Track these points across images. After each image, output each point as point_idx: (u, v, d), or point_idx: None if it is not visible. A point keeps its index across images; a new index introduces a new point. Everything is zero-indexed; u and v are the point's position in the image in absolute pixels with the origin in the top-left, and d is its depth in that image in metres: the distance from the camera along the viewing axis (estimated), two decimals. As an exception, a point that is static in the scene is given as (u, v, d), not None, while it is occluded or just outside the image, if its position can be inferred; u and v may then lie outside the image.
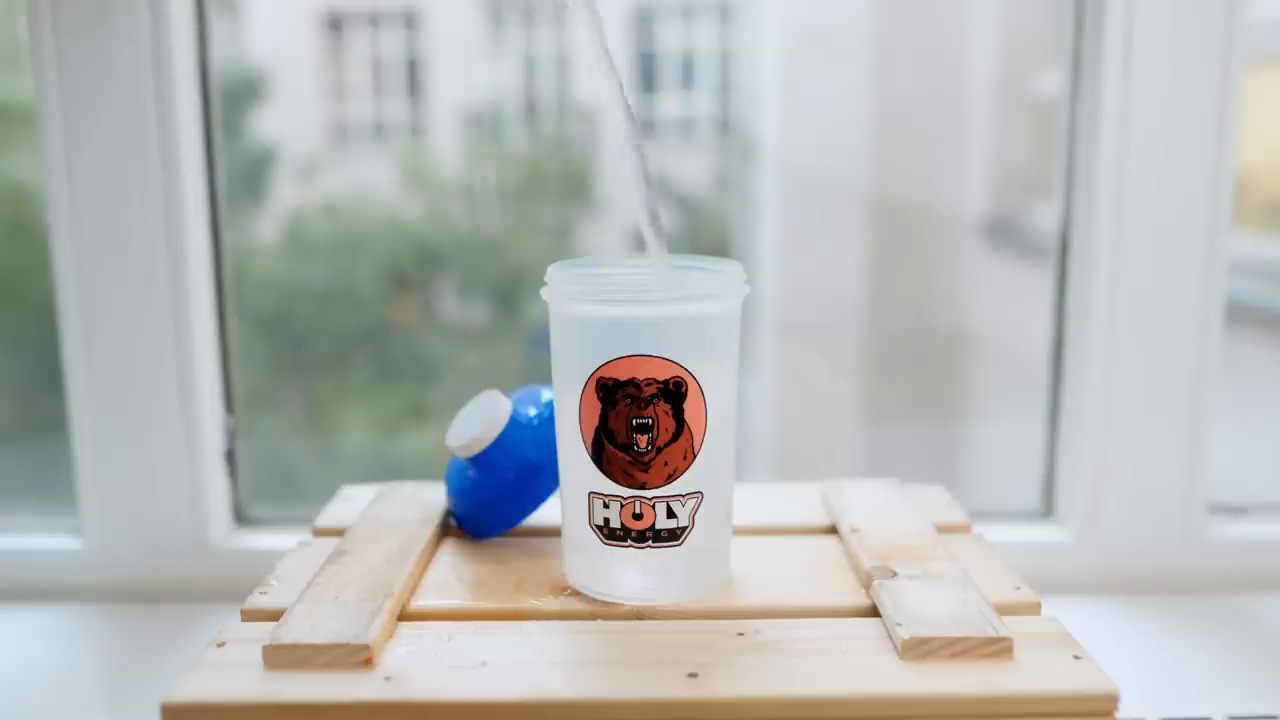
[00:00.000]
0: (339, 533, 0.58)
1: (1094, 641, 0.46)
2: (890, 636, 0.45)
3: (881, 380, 1.85)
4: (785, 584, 0.51)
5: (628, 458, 0.46)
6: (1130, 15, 0.71)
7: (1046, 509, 0.81)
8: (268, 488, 0.86)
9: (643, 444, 0.46)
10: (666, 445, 0.46)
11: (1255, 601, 0.76)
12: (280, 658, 0.43)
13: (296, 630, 0.44)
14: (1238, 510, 0.79)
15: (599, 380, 0.46)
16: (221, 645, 0.45)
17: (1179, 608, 0.75)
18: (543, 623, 0.47)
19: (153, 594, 0.76)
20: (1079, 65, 0.75)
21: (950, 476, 1.60)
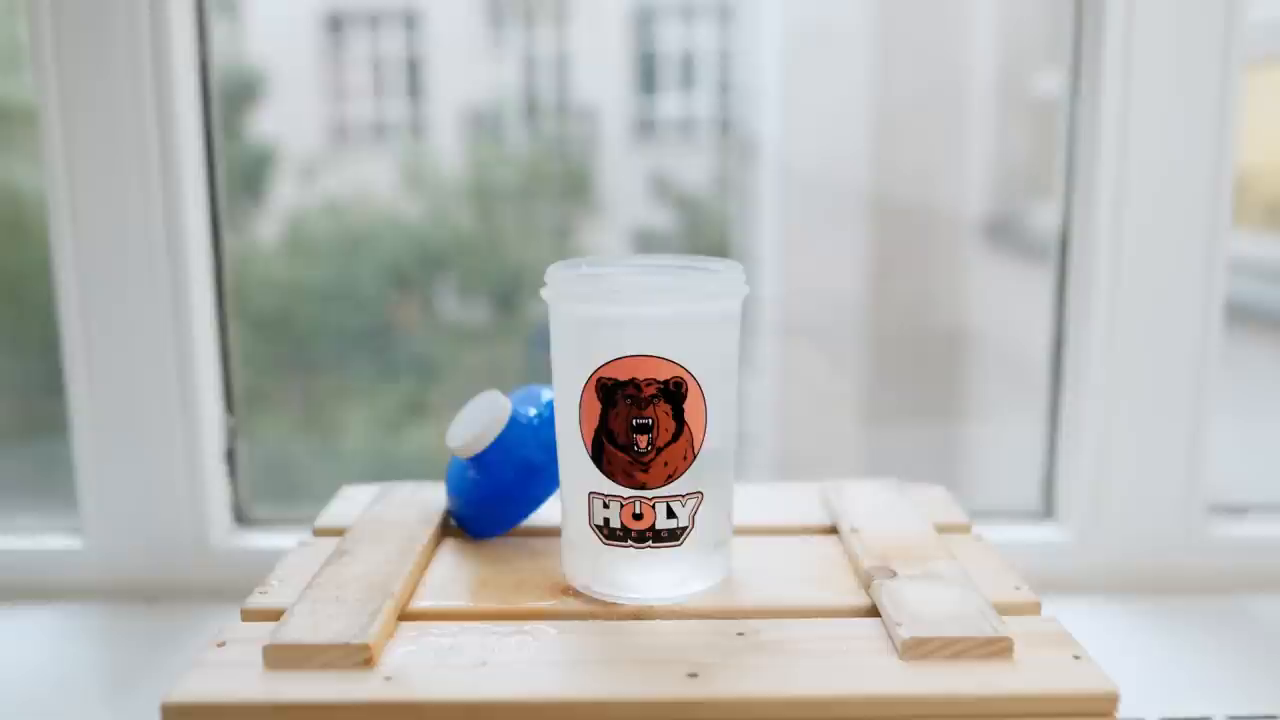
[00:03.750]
0: (339, 533, 0.58)
1: (1094, 641, 0.46)
2: (890, 636, 0.45)
3: (881, 380, 1.85)
4: (785, 584, 0.51)
5: (628, 458, 0.46)
6: (1130, 15, 0.71)
7: (1047, 509, 0.81)
8: (269, 487, 0.87)
9: (643, 444, 0.46)
10: (666, 445, 0.46)
11: (1255, 601, 0.76)
12: (280, 658, 0.43)
13: (297, 630, 0.44)
14: (1238, 510, 0.79)
15: (599, 380, 0.46)
16: (222, 645, 0.45)
17: (1179, 607, 0.75)
18: (543, 623, 0.47)
19: (153, 594, 0.76)
20: (1079, 65, 0.75)
21: (950, 475, 1.60)
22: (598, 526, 0.48)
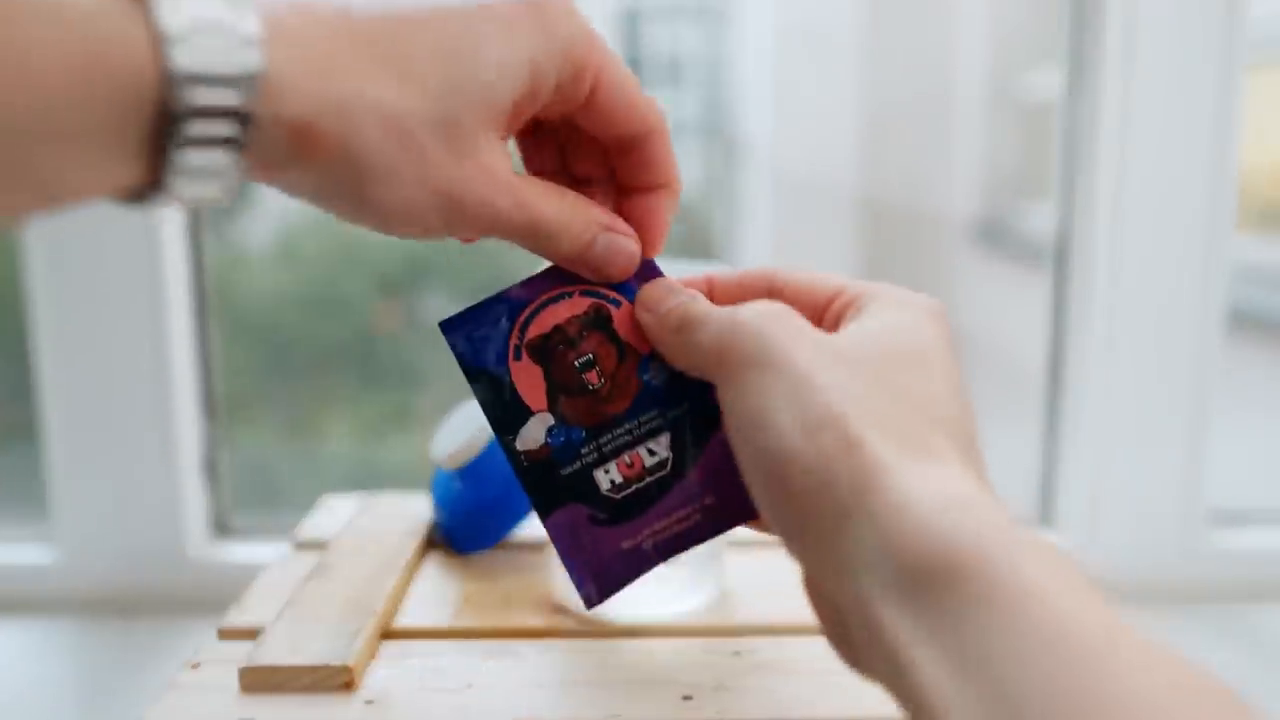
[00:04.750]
0: (320, 545, 0.56)
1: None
2: (892, 655, 0.43)
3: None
4: (782, 599, 0.49)
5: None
6: (1131, 13, 0.70)
7: (1045, 517, 0.79)
8: (250, 494, 0.84)
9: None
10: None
11: (1254, 610, 0.75)
12: (257, 680, 0.41)
13: (274, 651, 0.42)
14: (1236, 519, 0.78)
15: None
16: (196, 666, 0.43)
17: (1177, 617, 0.74)
18: (531, 642, 0.45)
19: (128, 608, 0.74)
20: (1077, 67, 0.74)
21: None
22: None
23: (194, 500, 0.75)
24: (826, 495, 0.27)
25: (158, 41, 0.24)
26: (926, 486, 0.26)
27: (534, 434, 0.34)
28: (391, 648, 0.45)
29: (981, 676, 0.23)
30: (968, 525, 0.25)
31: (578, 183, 0.35)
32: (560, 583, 0.48)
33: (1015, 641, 0.23)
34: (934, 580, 0.24)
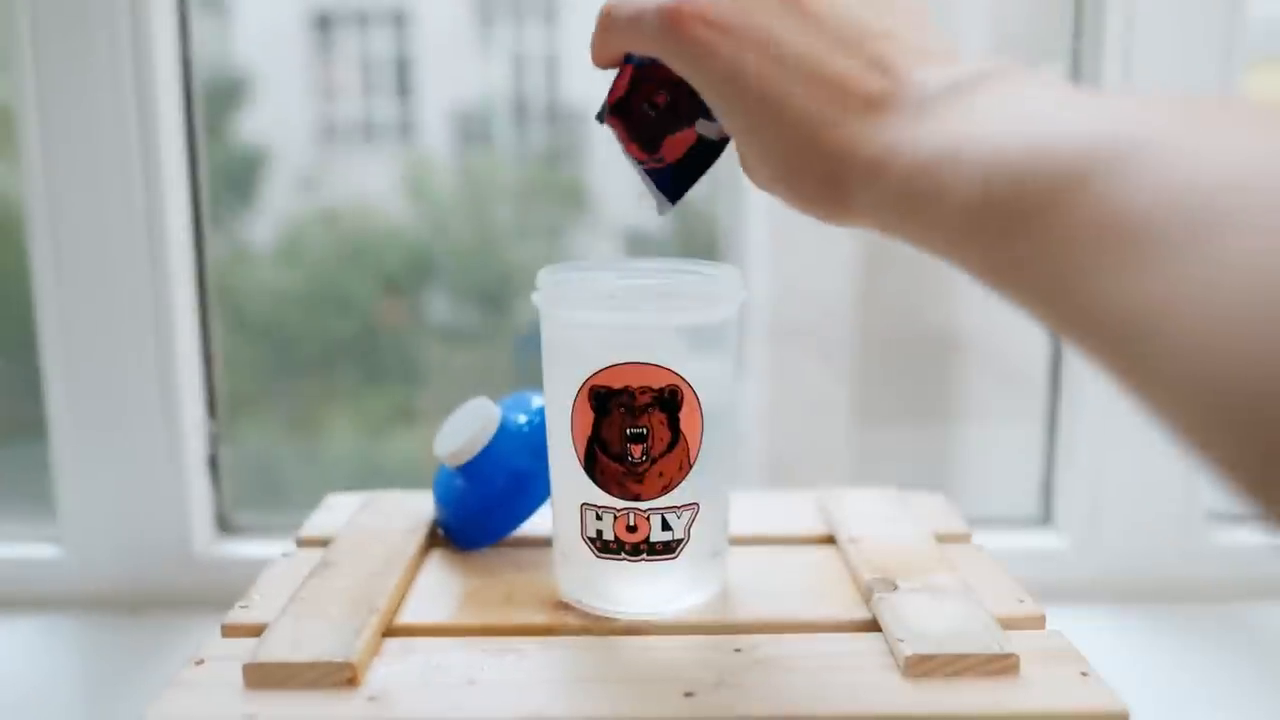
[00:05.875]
0: (323, 543, 0.56)
1: (1093, 650, 0.44)
2: (892, 653, 0.43)
3: (873, 383, 1.84)
4: (783, 597, 0.49)
5: (621, 468, 0.45)
6: (1130, 16, 0.70)
7: (1045, 516, 0.79)
8: (255, 492, 0.85)
9: (637, 454, 0.44)
10: (661, 456, 0.44)
11: (1255, 609, 0.75)
12: (261, 676, 0.41)
13: (278, 648, 0.43)
14: (1236, 519, 0.78)
15: (592, 389, 0.44)
16: (201, 663, 0.43)
17: (1177, 616, 0.74)
18: (534, 639, 0.45)
19: (133, 604, 0.75)
20: (1077, 67, 0.74)
21: (942, 479, 1.59)
22: (590, 539, 0.46)
23: (199, 497, 0.76)
24: None
25: None
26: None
27: None
28: (394, 644, 0.45)
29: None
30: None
31: None
32: (562, 580, 0.49)
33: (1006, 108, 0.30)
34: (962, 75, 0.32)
